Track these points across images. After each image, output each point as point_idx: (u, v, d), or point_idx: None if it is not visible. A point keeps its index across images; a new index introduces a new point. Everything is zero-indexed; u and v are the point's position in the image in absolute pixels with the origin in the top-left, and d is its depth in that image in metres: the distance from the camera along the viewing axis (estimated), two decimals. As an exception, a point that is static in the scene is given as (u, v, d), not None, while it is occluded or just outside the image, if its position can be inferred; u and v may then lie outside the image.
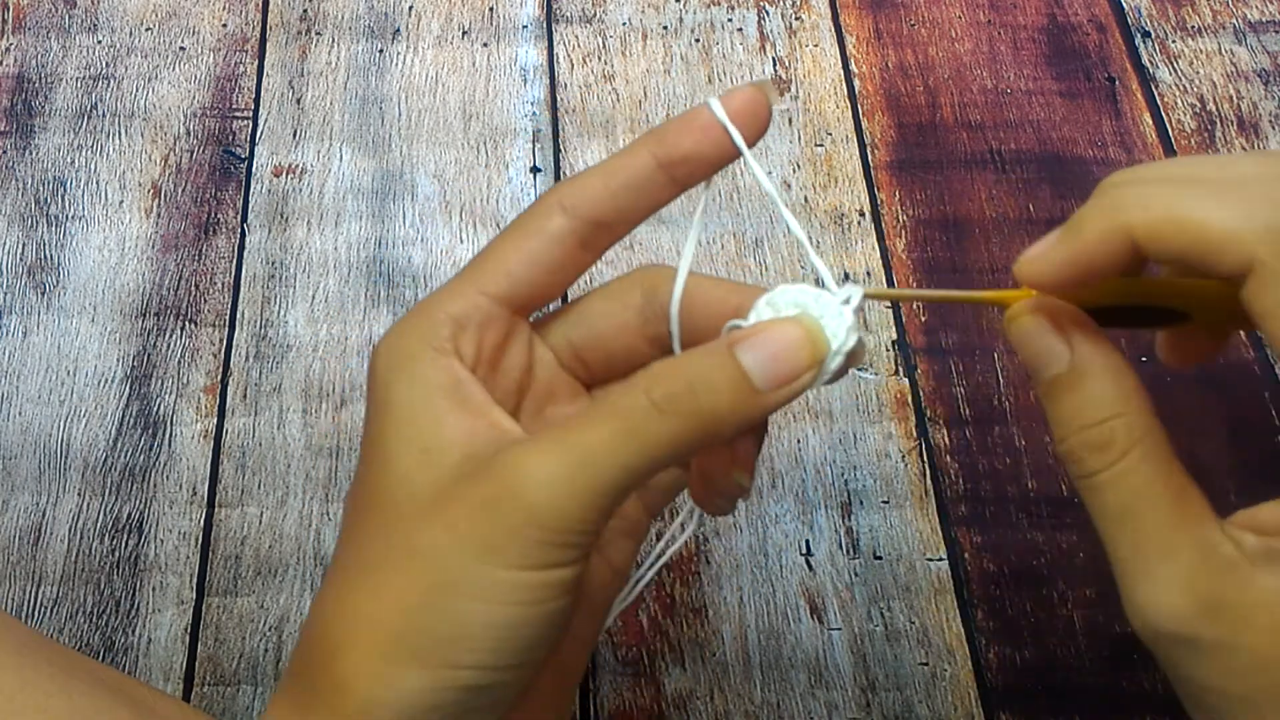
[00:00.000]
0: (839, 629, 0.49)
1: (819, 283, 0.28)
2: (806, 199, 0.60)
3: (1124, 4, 0.67)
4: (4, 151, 0.61)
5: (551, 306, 0.32)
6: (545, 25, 0.66)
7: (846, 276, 0.58)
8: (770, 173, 0.61)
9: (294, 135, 0.61)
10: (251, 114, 0.62)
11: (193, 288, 0.57)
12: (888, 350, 0.56)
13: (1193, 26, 0.66)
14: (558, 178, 0.60)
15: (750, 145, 0.28)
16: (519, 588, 0.25)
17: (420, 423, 0.27)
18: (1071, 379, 0.26)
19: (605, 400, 0.26)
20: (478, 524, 0.25)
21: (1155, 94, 0.64)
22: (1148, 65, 0.65)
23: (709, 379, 0.25)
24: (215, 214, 0.59)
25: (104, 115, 0.62)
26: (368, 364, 0.29)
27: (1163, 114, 0.63)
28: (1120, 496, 0.25)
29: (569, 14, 0.66)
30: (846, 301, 0.27)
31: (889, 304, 0.57)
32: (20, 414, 0.53)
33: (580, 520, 0.25)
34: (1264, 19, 0.67)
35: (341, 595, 0.27)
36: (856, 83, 0.64)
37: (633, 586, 0.33)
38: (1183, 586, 0.24)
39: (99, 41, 0.64)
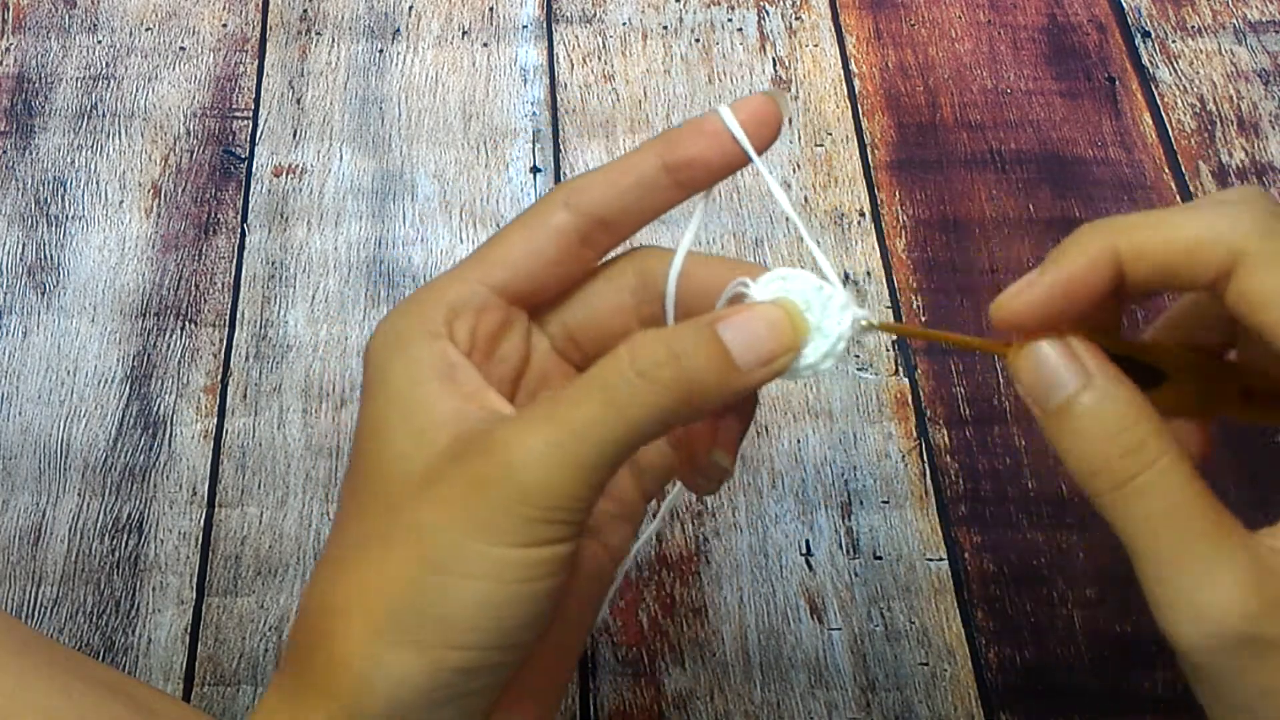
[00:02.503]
0: (839, 629, 0.49)
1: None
2: (806, 199, 0.60)
3: (1124, 4, 0.67)
4: (4, 151, 0.61)
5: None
6: (545, 25, 0.66)
7: (846, 277, 0.58)
8: (770, 173, 0.61)
9: (294, 135, 0.61)
10: (251, 114, 0.62)
11: (193, 288, 0.57)
12: (888, 350, 0.56)
13: (1193, 26, 0.66)
14: (558, 178, 0.60)
15: (759, 153, 0.29)
16: (511, 565, 0.25)
17: (412, 403, 0.27)
18: (1094, 395, 0.26)
19: (588, 374, 0.26)
20: (468, 501, 0.25)
21: (1155, 94, 0.64)
22: (1148, 65, 0.65)
23: (690, 351, 0.26)
24: (215, 214, 0.59)
25: (104, 115, 0.62)
26: (366, 346, 0.30)
27: (1163, 114, 0.63)
28: (1161, 500, 0.25)
29: (569, 14, 0.66)
30: (845, 307, 0.28)
31: (889, 304, 0.57)
32: (20, 414, 0.53)
33: (570, 496, 0.25)
34: (1264, 19, 0.67)
35: (334, 575, 0.27)
36: (856, 83, 0.64)
37: (628, 561, 0.33)
38: (1247, 585, 0.24)
39: (99, 41, 0.64)
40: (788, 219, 0.59)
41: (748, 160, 0.29)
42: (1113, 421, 0.25)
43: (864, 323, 0.28)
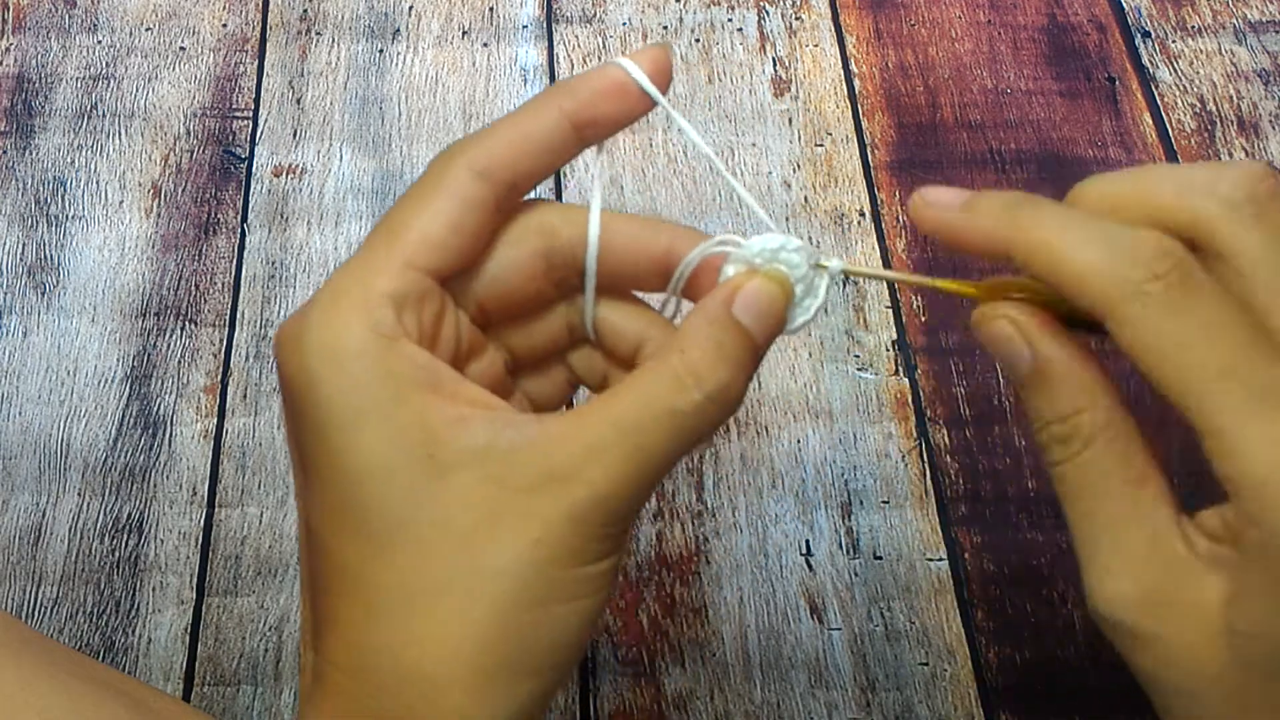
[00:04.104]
0: (839, 629, 0.49)
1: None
2: (806, 199, 0.60)
3: (1124, 4, 0.67)
4: (4, 151, 0.61)
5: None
6: (545, 25, 0.66)
7: (847, 277, 0.57)
8: (770, 172, 0.61)
9: (294, 135, 0.61)
10: (251, 114, 0.62)
11: (193, 288, 0.57)
12: (888, 350, 0.56)
13: (1193, 26, 0.66)
14: (558, 178, 0.60)
15: (654, 105, 0.30)
16: (599, 577, 0.26)
17: (408, 427, 0.26)
18: (1035, 378, 0.26)
19: (652, 396, 0.26)
20: (559, 535, 0.26)
21: (1155, 94, 0.64)
22: (1148, 65, 0.65)
23: (744, 361, 0.27)
24: (215, 214, 0.59)
25: (104, 115, 0.62)
26: (284, 355, 0.27)
27: (1163, 114, 0.63)
28: (1079, 487, 0.26)
29: (569, 14, 0.66)
30: (823, 267, 0.29)
31: (888, 304, 0.57)
32: (20, 414, 0.53)
33: (637, 511, 0.27)
34: (1264, 19, 0.67)
35: (414, 631, 0.26)
36: (856, 83, 0.64)
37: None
38: (1130, 576, 0.25)
39: (99, 41, 0.64)
40: (787, 218, 0.59)
41: (644, 113, 0.29)
42: (1051, 409, 0.26)
43: (832, 266, 0.29)
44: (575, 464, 0.25)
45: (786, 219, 0.59)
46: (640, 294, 0.31)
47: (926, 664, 0.48)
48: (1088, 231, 0.25)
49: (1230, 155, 0.62)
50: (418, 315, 0.27)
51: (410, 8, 0.66)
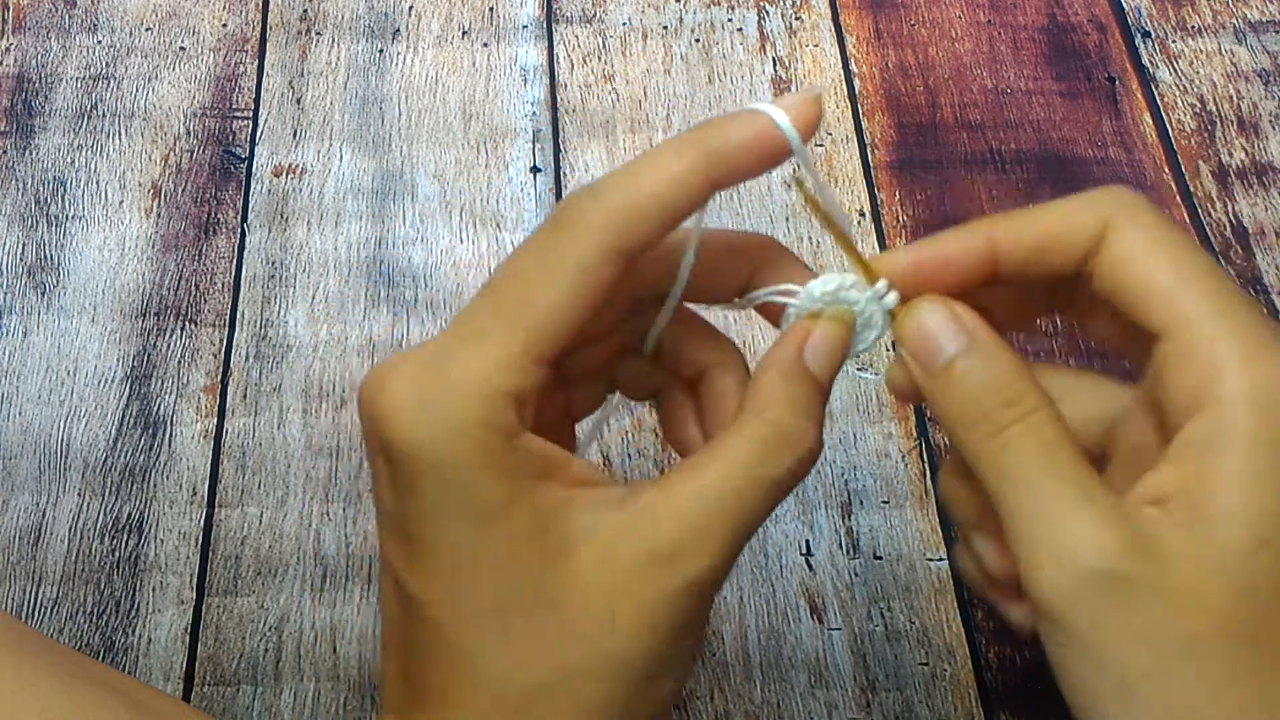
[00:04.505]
0: (839, 629, 0.49)
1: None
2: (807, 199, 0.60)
3: (1124, 4, 0.67)
4: (4, 151, 0.61)
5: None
6: (545, 25, 0.66)
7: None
8: (770, 172, 0.61)
9: (294, 135, 0.61)
10: (251, 114, 0.62)
11: (193, 288, 0.57)
12: (888, 350, 0.56)
13: (1193, 26, 0.66)
14: (558, 178, 0.60)
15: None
16: (698, 646, 0.28)
17: (524, 518, 0.26)
18: (978, 355, 0.27)
19: (751, 468, 0.26)
20: (670, 614, 0.26)
21: (1155, 94, 0.64)
22: (1148, 65, 0.65)
23: (817, 411, 0.28)
24: (215, 214, 0.59)
25: (104, 115, 0.62)
26: (394, 433, 0.26)
27: (1163, 114, 0.63)
28: (1033, 447, 0.26)
29: (569, 14, 0.66)
30: (881, 299, 0.29)
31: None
32: (20, 414, 0.53)
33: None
34: (1264, 19, 0.67)
35: (526, 712, 0.26)
36: (856, 83, 0.64)
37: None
38: (1107, 525, 0.24)
39: (99, 41, 0.64)
40: (788, 218, 0.59)
41: (781, 163, 0.28)
42: (996, 376, 0.27)
43: (895, 297, 0.29)
44: (681, 543, 0.26)
45: (787, 219, 0.59)
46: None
47: (926, 664, 0.48)
48: (1057, 201, 0.28)
49: (1230, 155, 0.62)
50: (535, 408, 0.27)
51: (410, 8, 0.66)
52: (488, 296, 0.27)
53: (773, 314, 0.30)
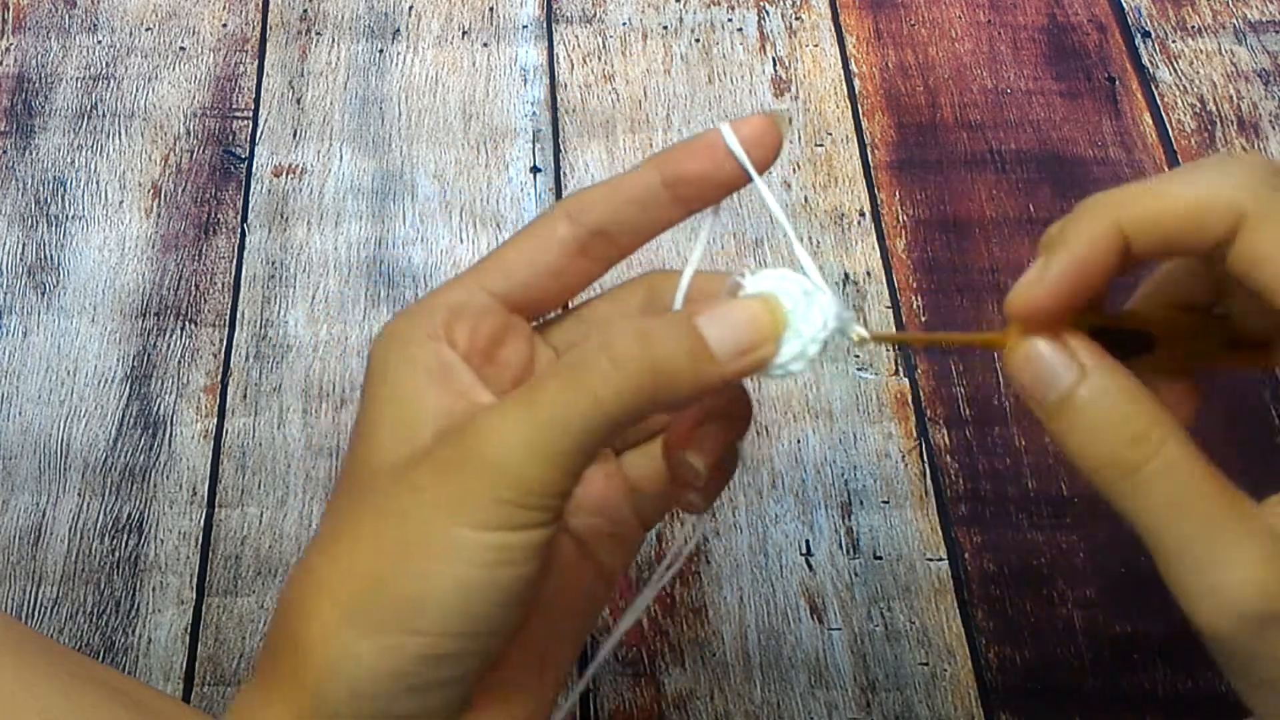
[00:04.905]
0: (839, 629, 0.49)
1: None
2: (806, 199, 0.60)
3: (1124, 4, 0.67)
4: (4, 151, 0.61)
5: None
6: (545, 25, 0.66)
7: (846, 277, 0.58)
8: (770, 172, 0.61)
9: (294, 135, 0.61)
10: (251, 114, 0.62)
11: (193, 288, 0.57)
12: (888, 350, 0.56)
13: (1193, 26, 0.66)
14: (558, 178, 0.60)
15: (760, 172, 0.29)
16: (482, 548, 0.25)
17: (403, 400, 0.28)
18: (1091, 388, 0.26)
19: (562, 360, 0.27)
20: (442, 484, 0.26)
21: (1155, 94, 0.64)
22: (1148, 65, 0.65)
23: (662, 337, 0.26)
24: (215, 214, 0.59)
25: (104, 115, 0.62)
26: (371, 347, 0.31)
27: (1163, 114, 0.63)
28: (1172, 486, 0.25)
29: (569, 14, 0.66)
30: (824, 309, 0.28)
31: (889, 304, 0.57)
32: (20, 414, 0.53)
33: (541, 480, 0.25)
34: (1264, 19, 0.67)
35: (307, 565, 0.27)
36: (856, 83, 0.64)
37: (641, 597, 0.33)
38: (1264, 564, 0.24)
39: (99, 41, 0.64)
40: (787, 219, 0.59)
41: (747, 179, 0.29)
42: (1114, 412, 0.25)
43: (856, 335, 0.28)
44: (480, 425, 0.26)
45: (787, 219, 0.59)
46: None
47: (926, 664, 0.48)
48: (1182, 174, 0.26)
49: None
50: (470, 327, 0.29)
51: (410, 8, 0.66)
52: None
53: None
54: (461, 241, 0.58)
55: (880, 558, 0.50)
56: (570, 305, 0.32)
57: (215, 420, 0.53)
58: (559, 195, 0.60)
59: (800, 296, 0.27)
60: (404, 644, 0.25)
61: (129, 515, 0.51)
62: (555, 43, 0.65)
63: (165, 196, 0.59)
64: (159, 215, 0.59)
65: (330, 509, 0.29)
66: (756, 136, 0.29)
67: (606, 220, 0.29)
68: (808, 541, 0.51)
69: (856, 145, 0.62)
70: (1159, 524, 0.25)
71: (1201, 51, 0.65)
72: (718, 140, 0.29)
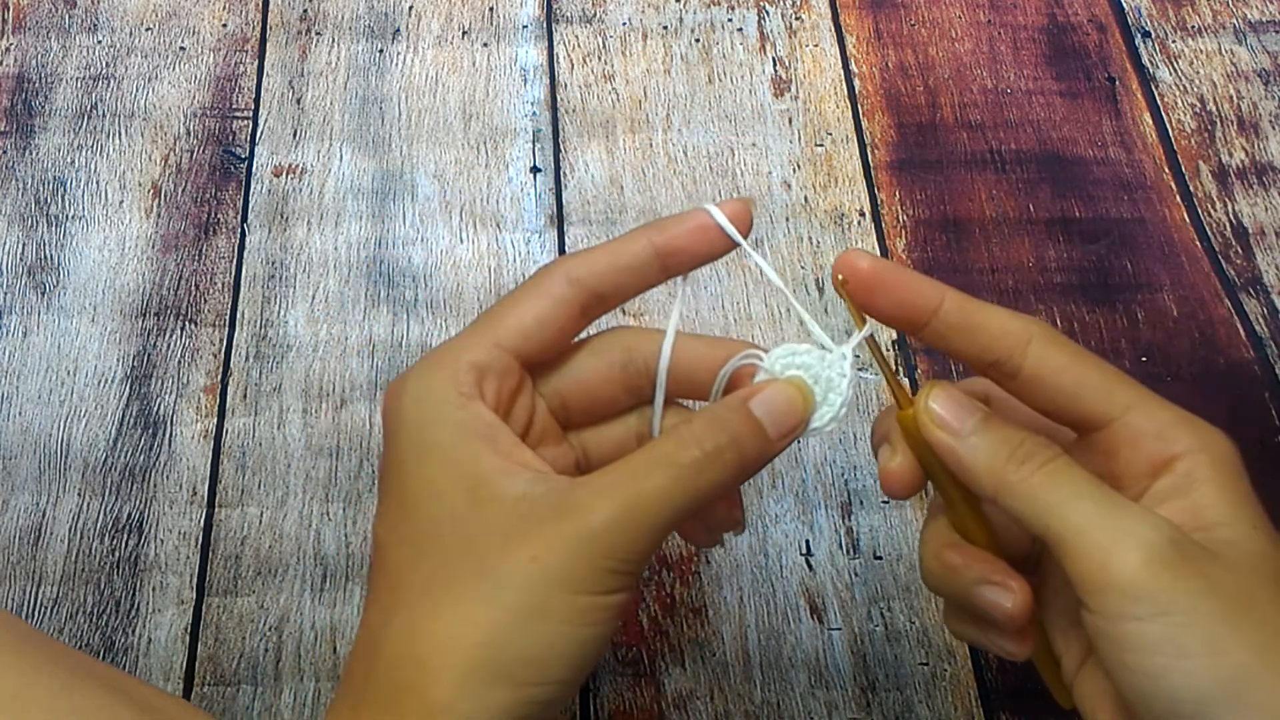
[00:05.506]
0: (839, 629, 0.49)
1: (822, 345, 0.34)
2: (806, 199, 0.60)
3: (1124, 4, 0.67)
4: (4, 151, 0.61)
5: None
6: (545, 25, 0.66)
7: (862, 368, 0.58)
8: (770, 172, 0.61)
9: (294, 135, 0.61)
10: (251, 114, 0.62)
11: (193, 288, 0.57)
12: (888, 350, 0.56)
13: (1193, 26, 0.66)
14: (558, 178, 0.61)
15: (735, 246, 0.33)
16: (595, 610, 0.30)
17: (463, 463, 0.31)
18: (994, 420, 0.32)
19: (659, 452, 0.31)
20: (557, 557, 0.29)
21: (1155, 94, 0.64)
22: (1148, 65, 0.65)
23: (743, 434, 0.31)
24: (215, 214, 0.59)
25: (104, 115, 0.62)
26: (388, 403, 0.32)
27: (1163, 114, 0.63)
28: (1076, 476, 0.30)
29: (569, 14, 0.66)
30: (844, 372, 0.33)
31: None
32: (20, 414, 0.53)
33: (639, 552, 0.30)
34: (1264, 19, 0.67)
35: (419, 621, 0.30)
36: (856, 83, 0.64)
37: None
38: (1161, 518, 0.29)
39: (99, 41, 0.64)
40: (788, 219, 0.59)
41: (724, 252, 0.33)
42: (1016, 431, 0.31)
43: (825, 346, 0.33)
44: (584, 501, 0.30)
45: (787, 219, 0.59)
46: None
47: (926, 664, 0.48)
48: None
49: (1230, 155, 0.62)
50: (496, 385, 0.32)
51: (410, 8, 0.66)
52: (478, 317, 0.33)
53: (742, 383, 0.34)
54: (461, 241, 0.58)
55: (880, 558, 0.50)
56: None
57: (215, 420, 0.53)
58: (559, 195, 0.60)
59: (820, 371, 0.33)
60: (531, 693, 0.29)
61: (129, 515, 0.51)
62: (555, 43, 0.65)
63: (165, 196, 0.59)
64: (159, 215, 0.59)
65: (401, 568, 0.31)
66: (736, 216, 0.33)
67: (604, 285, 0.33)
68: (808, 541, 0.51)
69: (856, 145, 0.62)
70: (1073, 502, 0.30)
71: (1201, 51, 0.66)
72: (707, 220, 0.33)
